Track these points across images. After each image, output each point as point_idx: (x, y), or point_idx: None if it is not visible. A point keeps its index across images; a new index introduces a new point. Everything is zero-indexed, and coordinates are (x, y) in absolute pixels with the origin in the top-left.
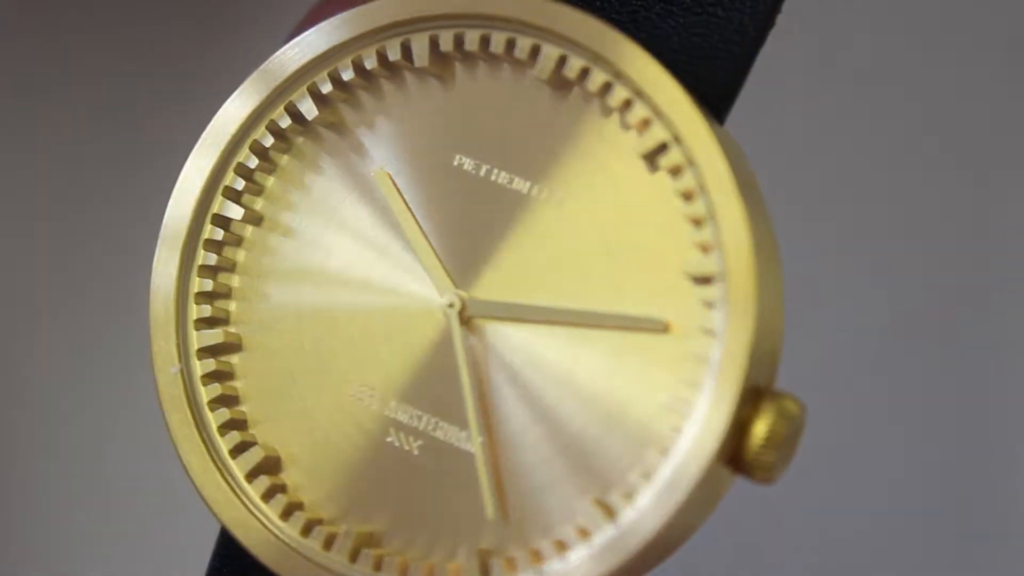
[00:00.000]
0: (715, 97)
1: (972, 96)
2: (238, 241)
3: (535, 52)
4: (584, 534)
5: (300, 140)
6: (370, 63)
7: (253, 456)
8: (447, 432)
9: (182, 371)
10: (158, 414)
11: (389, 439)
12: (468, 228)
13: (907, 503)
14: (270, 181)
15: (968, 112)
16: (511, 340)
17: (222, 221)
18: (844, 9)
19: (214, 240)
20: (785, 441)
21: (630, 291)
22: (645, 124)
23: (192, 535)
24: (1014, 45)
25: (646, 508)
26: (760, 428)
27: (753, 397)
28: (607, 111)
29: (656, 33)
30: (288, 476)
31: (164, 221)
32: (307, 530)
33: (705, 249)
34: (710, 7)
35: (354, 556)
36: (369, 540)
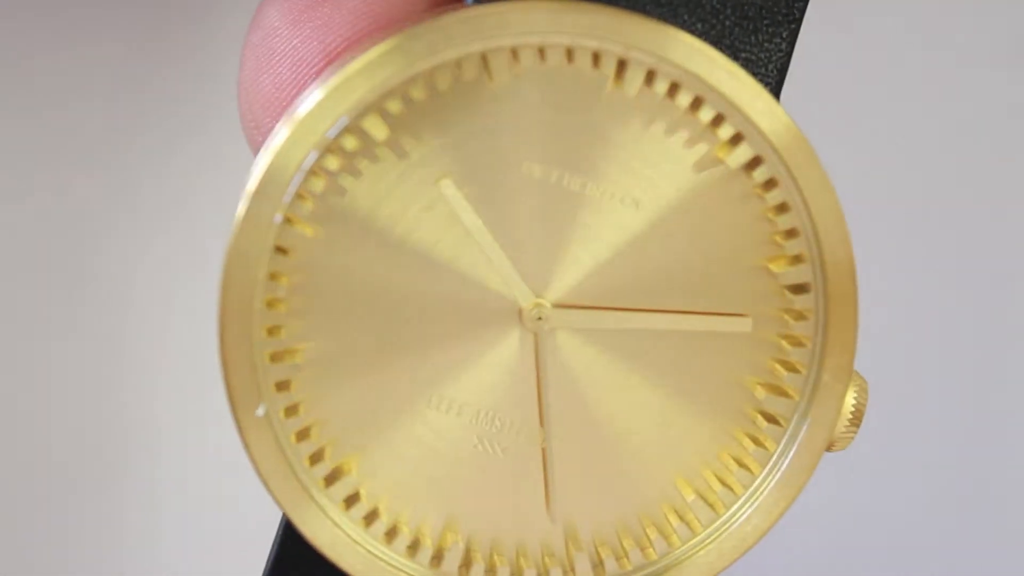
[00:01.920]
0: (770, 87)
1: (974, 96)
2: (305, 264)
3: (622, 67)
4: (693, 526)
5: (363, 157)
6: (444, 83)
7: (344, 486)
8: (535, 435)
9: (267, 411)
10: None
11: (475, 445)
12: (542, 234)
13: (904, 504)
14: (336, 199)
15: (971, 112)
16: (591, 348)
17: (285, 248)
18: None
19: (277, 271)
20: (863, 415)
21: (715, 289)
22: (737, 139)
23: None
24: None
25: (764, 498)
26: (849, 404)
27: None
28: (696, 126)
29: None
30: (368, 488)
31: (223, 264)
32: (390, 538)
33: (789, 245)
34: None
35: (466, 567)
36: (471, 549)
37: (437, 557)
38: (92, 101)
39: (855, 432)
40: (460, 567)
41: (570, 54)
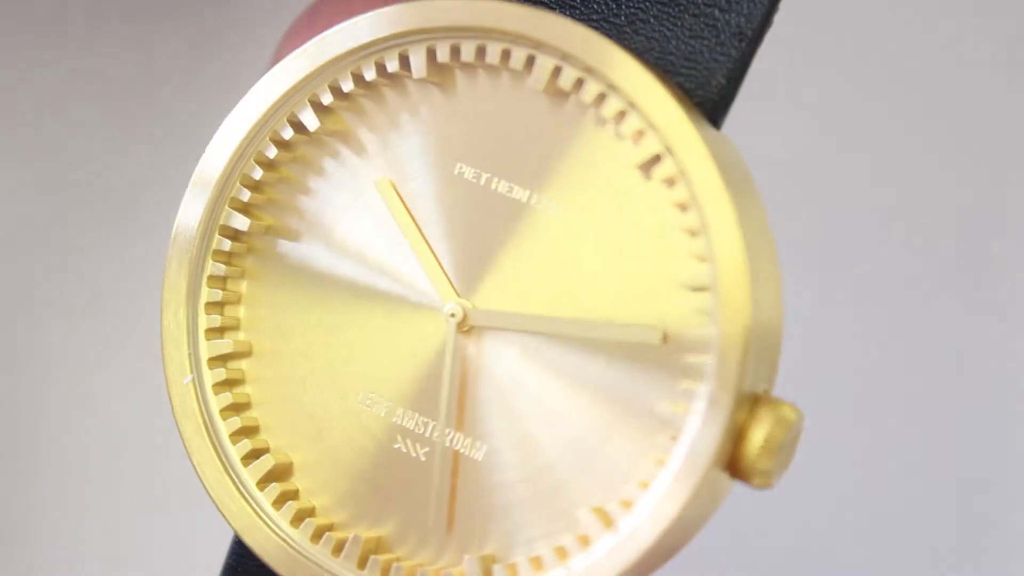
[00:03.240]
0: (712, 100)
1: (971, 96)
2: (246, 249)
3: (530, 63)
4: (584, 542)
5: (305, 148)
6: (369, 74)
7: (264, 464)
8: (452, 439)
9: (194, 381)
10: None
11: (397, 445)
12: (470, 236)
13: (904, 505)
14: (275, 190)
15: (968, 112)
16: (513, 348)
17: (230, 232)
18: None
19: (222, 250)
20: (782, 447)
21: (627, 301)
22: (639, 135)
23: (207, 537)
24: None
25: (645, 516)
26: (757, 435)
27: (750, 404)
28: (602, 121)
29: (653, 36)
30: (298, 481)
31: (172, 235)
32: (317, 536)
33: (700, 259)
34: (707, 9)
35: (363, 562)
36: (377, 546)
37: (337, 549)
38: (93, 100)
39: (772, 464)
40: (357, 564)
41: (494, 54)
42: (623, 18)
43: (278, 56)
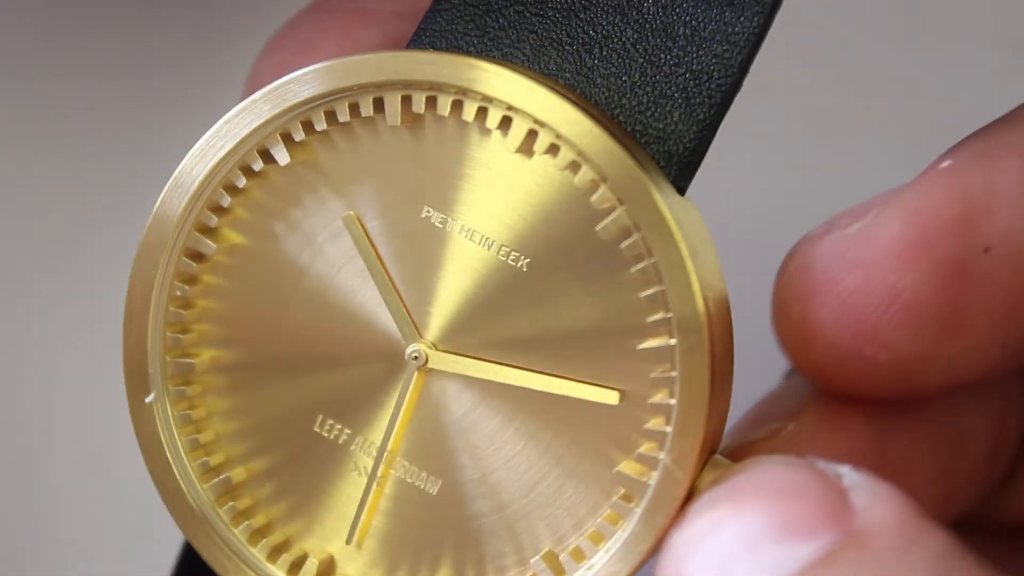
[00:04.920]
0: (678, 164)
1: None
2: (211, 269)
3: (506, 124)
4: None
5: (275, 175)
6: (343, 116)
7: (223, 483)
8: (408, 471)
9: (156, 399)
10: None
11: (353, 472)
12: (434, 279)
13: None
14: (245, 209)
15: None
16: (470, 392)
17: (194, 254)
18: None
19: (187, 272)
20: None
21: (588, 359)
22: (609, 207)
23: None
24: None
25: (597, 571)
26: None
27: (706, 463)
28: (574, 188)
29: (625, 93)
30: (253, 493)
31: (136, 255)
32: (274, 556)
33: (662, 332)
34: (679, 71)
35: None
36: (330, 566)
37: (295, 568)
38: (92, 100)
39: None
40: None
41: (469, 111)
42: (596, 73)
43: (256, 69)
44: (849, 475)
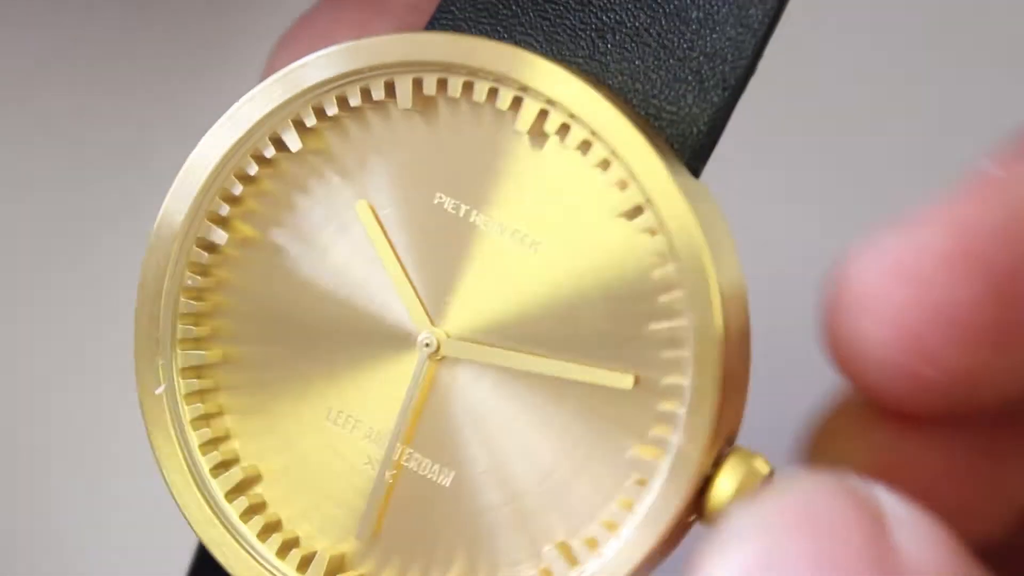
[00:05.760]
0: (692, 148)
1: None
2: (223, 260)
3: (516, 104)
4: None
5: (286, 165)
6: (354, 100)
7: (233, 476)
8: (420, 464)
9: (166, 391)
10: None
11: (364, 465)
12: (446, 266)
13: None
14: (256, 202)
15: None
16: (483, 380)
17: (207, 244)
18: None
19: (199, 263)
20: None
21: (601, 343)
22: (622, 184)
23: (173, 548)
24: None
25: (610, 558)
26: (727, 485)
27: (720, 452)
28: (586, 165)
29: (637, 78)
30: (267, 491)
31: (148, 244)
32: (284, 552)
33: (676, 312)
34: (692, 55)
35: None
36: (341, 563)
37: (303, 565)
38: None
39: None
40: None
41: (480, 92)
42: (609, 58)
43: (271, 64)
44: (889, 502)
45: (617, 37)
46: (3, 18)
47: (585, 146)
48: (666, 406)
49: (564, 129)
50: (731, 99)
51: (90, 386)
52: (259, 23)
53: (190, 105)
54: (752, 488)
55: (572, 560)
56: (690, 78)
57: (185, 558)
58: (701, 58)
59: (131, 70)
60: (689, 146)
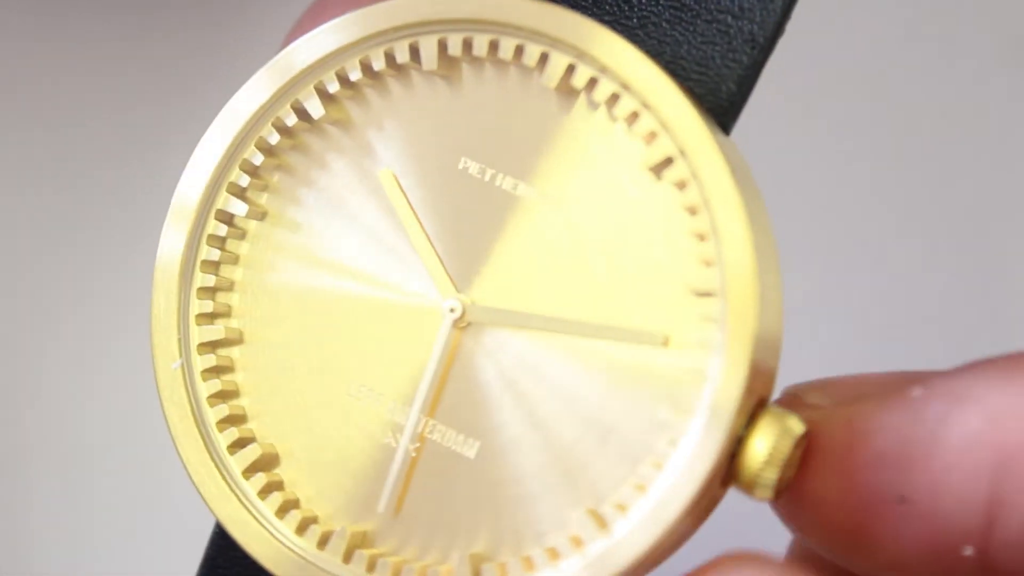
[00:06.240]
0: (722, 106)
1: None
2: (242, 235)
3: (544, 59)
4: (577, 543)
5: (306, 137)
6: (378, 64)
7: (251, 453)
8: (444, 435)
9: (183, 366)
10: (157, 406)
11: (387, 440)
12: (471, 231)
13: None
14: (275, 177)
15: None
16: (510, 346)
17: (226, 216)
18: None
19: (217, 235)
20: (787, 460)
21: (630, 303)
22: (651, 137)
23: (187, 528)
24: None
25: (640, 521)
26: (761, 446)
27: (753, 414)
28: (614, 121)
29: (665, 40)
30: (285, 471)
31: (167, 217)
32: (302, 529)
33: (707, 264)
34: (720, 15)
35: (348, 556)
36: (363, 540)
37: (323, 542)
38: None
39: (776, 476)
40: (342, 558)
41: (507, 49)
42: (635, 20)
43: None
44: None
45: (643, 0)
46: (25, 19)
47: (614, 99)
48: (699, 364)
49: (592, 83)
50: (760, 58)
51: (107, 369)
52: (275, 13)
53: (209, 88)
54: (786, 451)
55: (601, 524)
56: (718, 38)
57: (202, 543)
58: (729, 18)
59: (150, 55)
60: (719, 105)
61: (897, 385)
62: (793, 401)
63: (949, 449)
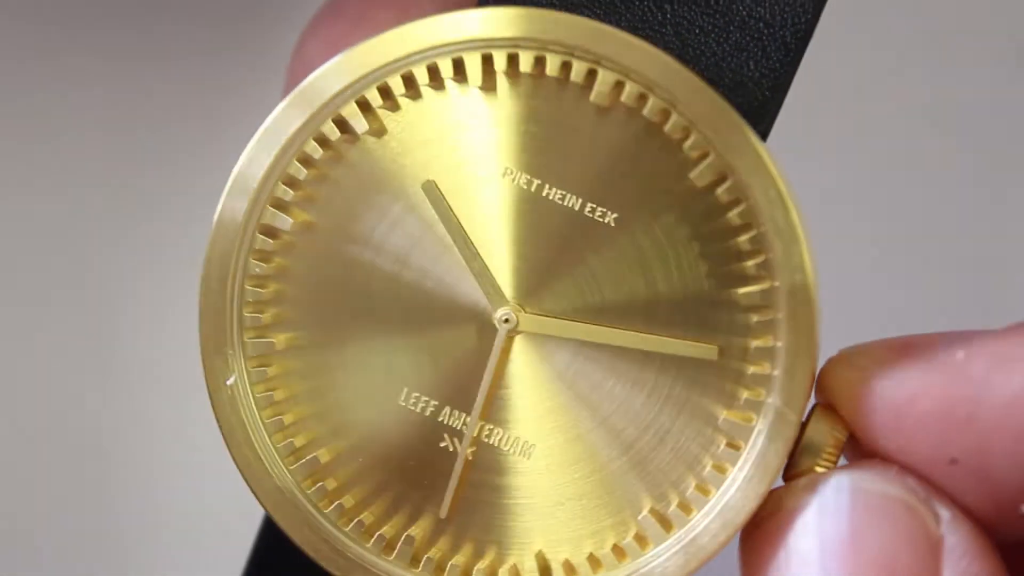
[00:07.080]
0: (757, 112)
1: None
2: (286, 247)
3: (591, 76)
4: (642, 543)
5: (347, 148)
6: (421, 78)
7: (305, 462)
8: (500, 439)
9: (236, 381)
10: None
11: (443, 444)
12: (518, 241)
13: None
14: (318, 187)
15: (974, 113)
16: (561, 354)
17: (270, 230)
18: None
19: (263, 249)
20: (838, 451)
21: (683, 313)
22: (703, 154)
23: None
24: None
25: (708, 522)
26: (817, 440)
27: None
28: (664, 137)
29: (700, 48)
30: (337, 476)
31: (210, 236)
32: (356, 531)
33: (764, 275)
34: (753, 23)
35: (416, 562)
36: (416, 543)
37: (389, 548)
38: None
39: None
40: (410, 562)
41: (553, 66)
42: (670, 28)
43: (300, 51)
44: (949, 529)
45: (675, 7)
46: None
47: (664, 115)
48: (757, 370)
49: (642, 100)
50: (793, 62)
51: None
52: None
53: (251, 93)
54: (838, 447)
55: (667, 525)
56: (751, 44)
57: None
58: (761, 24)
59: (188, 58)
60: (755, 111)
61: (941, 346)
62: (841, 364)
63: (994, 409)
